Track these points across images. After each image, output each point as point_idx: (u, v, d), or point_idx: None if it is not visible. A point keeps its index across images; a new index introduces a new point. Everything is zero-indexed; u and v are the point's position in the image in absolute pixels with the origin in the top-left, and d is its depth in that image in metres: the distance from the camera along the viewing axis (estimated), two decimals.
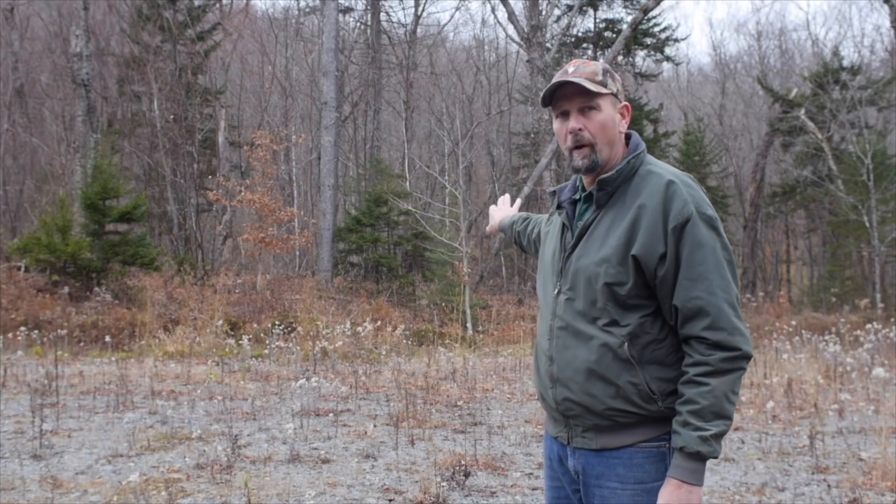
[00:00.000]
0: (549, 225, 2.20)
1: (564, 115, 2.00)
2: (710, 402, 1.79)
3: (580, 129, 1.96)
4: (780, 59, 36.49)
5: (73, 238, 14.63)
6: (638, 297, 1.88)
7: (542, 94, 2.02)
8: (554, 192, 2.10)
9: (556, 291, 1.99)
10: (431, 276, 18.26)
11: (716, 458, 1.83)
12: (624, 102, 2.02)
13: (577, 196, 2.05)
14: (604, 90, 1.95)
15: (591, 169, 1.98)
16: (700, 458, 1.81)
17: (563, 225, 2.05)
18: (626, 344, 1.87)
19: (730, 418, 1.82)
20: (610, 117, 1.97)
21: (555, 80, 1.98)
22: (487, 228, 2.91)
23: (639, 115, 23.09)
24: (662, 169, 1.95)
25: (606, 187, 1.95)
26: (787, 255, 31.24)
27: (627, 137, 2.03)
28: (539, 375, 2.06)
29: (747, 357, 1.84)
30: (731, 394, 1.82)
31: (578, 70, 1.96)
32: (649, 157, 2.00)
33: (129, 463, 5.40)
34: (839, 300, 18.69)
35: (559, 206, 2.07)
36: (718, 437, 1.81)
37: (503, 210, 2.89)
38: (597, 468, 1.95)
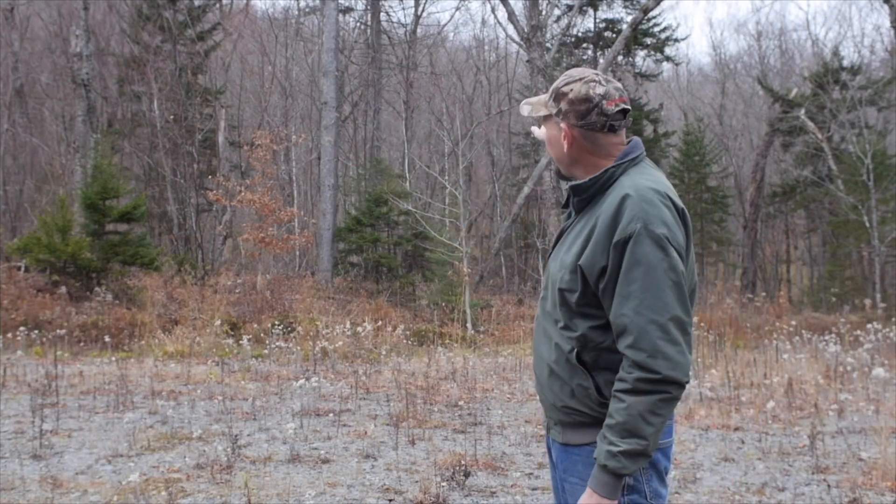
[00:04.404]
0: None
1: None
2: (623, 419, 1.78)
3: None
4: (780, 59, 36.44)
5: (73, 238, 14.62)
6: (588, 307, 1.90)
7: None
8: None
9: (542, 292, 2.11)
10: (431, 276, 18.25)
11: (627, 475, 1.82)
12: (563, 124, 1.97)
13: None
14: (542, 113, 2.05)
15: (559, 176, 2.14)
16: (609, 472, 1.80)
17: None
18: (575, 350, 1.91)
19: (645, 439, 1.78)
20: (553, 137, 2.05)
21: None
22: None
23: (639, 115, 23.10)
24: (632, 181, 1.90)
25: (580, 194, 2.00)
26: (787, 255, 31.21)
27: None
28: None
29: (673, 382, 1.78)
30: (651, 415, 1.78)
31: (539, 95, 2.12)
32: (641, 167, 1.96)
33: (129, 463, 5.40)
34: (839, 300, 18.67)
35: (565, 207, 2.14)
36: (631, 455, 1.78)
37: None
38: (565, 462, 2.03)
